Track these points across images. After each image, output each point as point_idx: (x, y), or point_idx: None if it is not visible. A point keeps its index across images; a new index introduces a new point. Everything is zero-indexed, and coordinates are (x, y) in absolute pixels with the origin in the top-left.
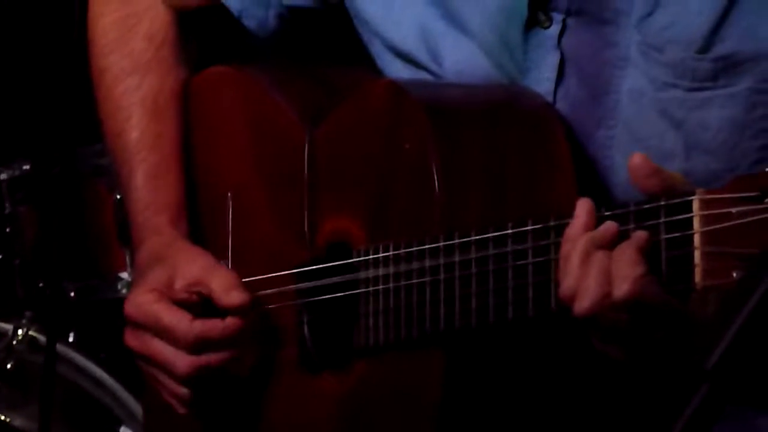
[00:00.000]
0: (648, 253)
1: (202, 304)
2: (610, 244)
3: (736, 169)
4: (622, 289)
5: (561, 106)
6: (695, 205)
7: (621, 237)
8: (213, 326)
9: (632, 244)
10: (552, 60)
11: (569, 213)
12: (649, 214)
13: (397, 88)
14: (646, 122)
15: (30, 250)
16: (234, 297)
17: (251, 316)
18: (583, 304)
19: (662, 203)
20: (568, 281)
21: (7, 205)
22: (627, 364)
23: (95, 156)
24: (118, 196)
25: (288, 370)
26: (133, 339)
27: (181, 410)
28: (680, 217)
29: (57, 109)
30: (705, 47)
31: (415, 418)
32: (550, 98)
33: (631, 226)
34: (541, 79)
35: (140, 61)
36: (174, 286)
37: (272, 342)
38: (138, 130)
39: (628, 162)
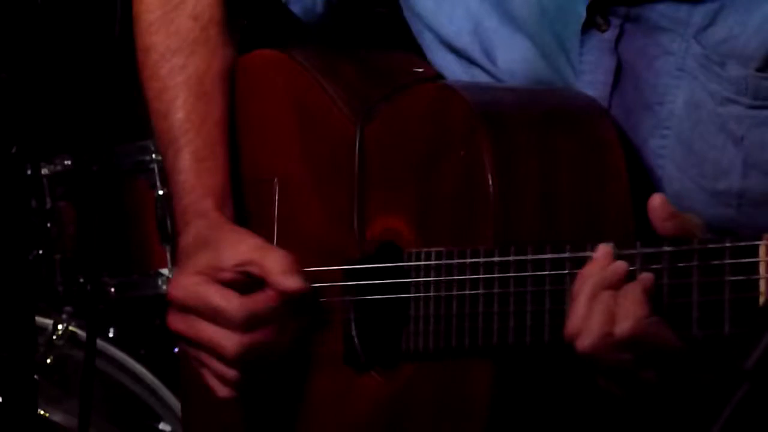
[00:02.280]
0: (653, 295)
1: (248, 286)
2: (617, 285)
3: None
4: (623, 327)
5: (615, 111)
6: (761, 251)
7: (628, 279)
8: (260, 300)
9: (638, 285)
10: (608, 64)
11: (623, 222)
12: (713, 253)
13: (451, 91)
14: (703, 136)
15: (70, 246)
16: (292, 281)
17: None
18: (584, 342)
19: (728, 245)
20: (573, 320)
21: (47, 200)
22: (627, 403)
23: (137, 152)
24: (160, 192)
25: (332, 366)
26: (178, 322)
27: (226, 393)
28: (746, 260)
29: (98, 105)
30: (764, 65)
31: (460, 428)
32: (605, 103)
33: (695, 263)
34: (597, 83)
35: (186, 41)
36: (220, 268)
37: (317, 333)
38: (184, 111)
39: (648, 202)
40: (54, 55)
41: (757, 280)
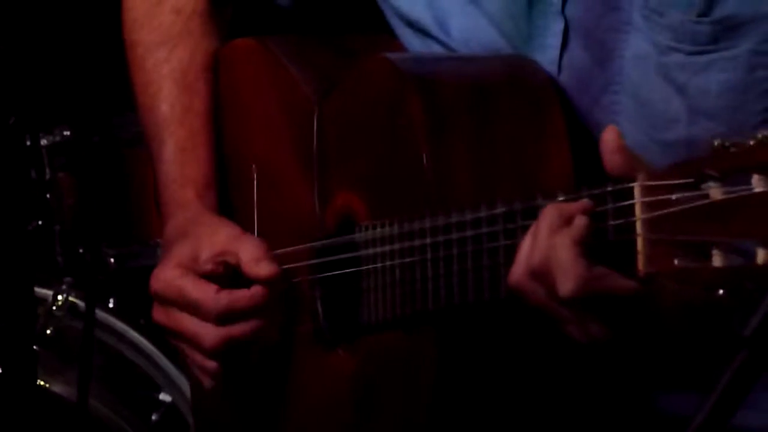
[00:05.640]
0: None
1: (228, 276)
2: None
3: (740, 133)
4: (566, 287)
5: (566, 73)
6: (636, 192)
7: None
8: (239, 297)
9: (570, 236)
10: (556, 27)
11: (564, 186)
12: (598, 199)
13: (390, 63)
14: (650, 87)
15: (70, 217)
16: (263, 268)
17: (279, 285)
18: (567, 285)
19: (609, 189)
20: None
21: (47, 171)
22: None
23: (136, 123)
24: None
25: (304, 346)
26: (160, 315)
27: (208, 383)
28: (623, 203)
29: (98, 76)
30: (706, 11)
31: (412, 398)
32: (555, 66)
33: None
34: (546, 47)
35: (169, 34)
36: (199, 259)
37: (291, 317)
38: (167, 104)
39: (602, 134)
40: (52, 25)
41: (634, 222)
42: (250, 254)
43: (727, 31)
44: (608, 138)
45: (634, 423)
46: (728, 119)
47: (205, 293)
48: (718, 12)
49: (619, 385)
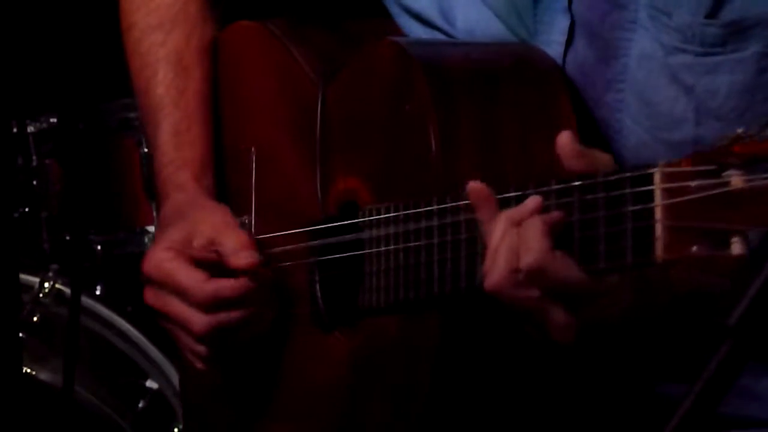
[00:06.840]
0: (559, 231)
1: (219, 263)
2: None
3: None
4: (526, 260)
5: (571, 69)
6: (656, 178)
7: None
8: (225, 286)
9: (539, 219)
10: (562, 23)
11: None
12: (616, 185)
13: (400, 48)
14: (656, 87)
15: (56, 204)
16: (242, 258)
17: (265, 274)
18: (491, 279)
19: (627, 175)
20: (486, 260)
21: (34, 158)
22: (545, 345)
23: (123, 110)
24: (146, 150)
25: (302, 328)
26: (152, 297)
27: (200, 366)
28: (642, 189)
29: (84, 63)
30: (713, 12)
31: (410, 382)
32: (559, 62)
33: (600, 195)
34: (551, 43)
35: (166, 17)
36: (192, 243)
37: (287, 299)
38: (162, 87)
39: (556, 139)
40: (39, 12)
41: (653, 208)
42: (231, 245)
43: (735, 33)
44: (563, 143)
45: (633, 407)
46: (736, 120)
47: (193, 280)
48: (726, 14)
49: (619, 374)
